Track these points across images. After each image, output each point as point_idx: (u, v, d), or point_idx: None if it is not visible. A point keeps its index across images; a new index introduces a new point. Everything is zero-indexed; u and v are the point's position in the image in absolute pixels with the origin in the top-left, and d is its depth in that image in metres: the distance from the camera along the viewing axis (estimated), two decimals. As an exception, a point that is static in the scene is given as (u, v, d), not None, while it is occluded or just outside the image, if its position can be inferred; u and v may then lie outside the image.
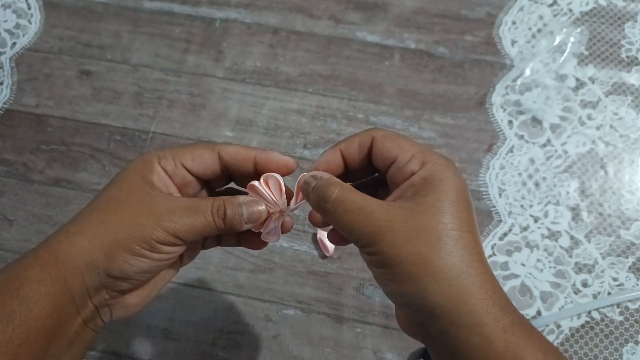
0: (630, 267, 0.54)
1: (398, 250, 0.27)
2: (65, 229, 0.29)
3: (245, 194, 0.33)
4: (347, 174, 0.33)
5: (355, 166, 0.32)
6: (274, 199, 0.32)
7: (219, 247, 0.36)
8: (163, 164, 0.31)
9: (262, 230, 0.33)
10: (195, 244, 0.34)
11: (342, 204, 0.28)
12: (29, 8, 0.67)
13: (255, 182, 0.32)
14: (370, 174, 0.34)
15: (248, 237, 0.34)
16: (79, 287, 0.28)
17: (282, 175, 0.32)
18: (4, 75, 0.63)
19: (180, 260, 0.34)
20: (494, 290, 0.26)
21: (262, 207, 0.31)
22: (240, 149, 0.32)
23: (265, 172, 0.32)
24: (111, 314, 0.31)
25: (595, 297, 0.53)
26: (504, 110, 0.61)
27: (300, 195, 0.32)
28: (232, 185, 0.36)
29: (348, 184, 0.30)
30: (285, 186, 0.32)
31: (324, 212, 0.29)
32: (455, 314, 0.26)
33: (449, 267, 0.26)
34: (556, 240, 0.55)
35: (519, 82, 0.62)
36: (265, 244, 0.34)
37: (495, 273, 0.54)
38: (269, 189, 0.32)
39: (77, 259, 0.28)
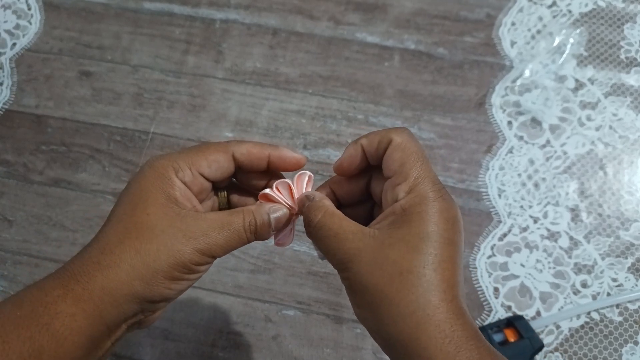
0: (629, 268, 0.54)
1: (362, 278, 0.27)
2: (96, 261, 0.28)
3: (247, 190, 0.34)
4: (373, 167, 0.33)
5: (377, 163, 0.32)
6: (289, 203, 0.33)
7: None
8: (181, 176, 0.30)
9: (276, 236, 0.34)
10: None
11: (321, 230, 0.29)
12: (29, 9, 0.67)
13: (268, 190, 0.32)
14: None
15: None
16: (115, 317, 0.28)
17: (293, 170, 0.33)
18: (3, 76, 0.63)
19: None
20: (452, 329, 0.26)
21: (286, 211, 0.32)
22: (253, 147, 0.32)
23: (278, 169, 0.33)
24: (138, 327, 0.31)
25: (594, 297, 0.53)
26: (504, 111, 0.61)
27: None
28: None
29: (332, 210, 0.30)
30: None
31: (309, 235, 0.31)
32: (409, 348, 0.26)
33: (405, 303, 0.26)
34: (555, 241, 0.55)
35: (518, 83, 0.62)
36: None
37: (494, 274, 0.54)
38: (280, 194, 0.33)
39: (116, 293, 0.27)
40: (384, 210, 0.30)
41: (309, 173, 0.33)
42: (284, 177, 0.34)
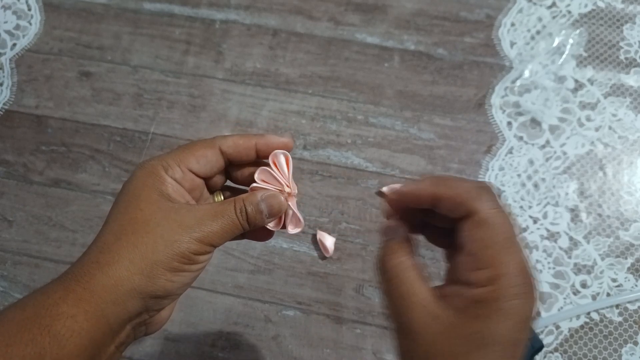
0: (629, 268, 0.54)
1: (419, 353, 0.26)
2: (94, 260, 0.28)
3: (243, 190, 0.34)
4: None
5: (446, 217, 0.28)
6: (278, 188, 0.33)
7: (218, 247, 0.36)
8: (171, 174, 0.31)
9: (286, 226, 0.34)
10: None
11: (390, 282, 0.27)
12: (29, 9, 0.67)
13: (254, 184, 0.33)
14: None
15: (255, 230, 0.34)
16: (118, 317, 0.27)
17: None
18: (4, 77, 0.63)
19: None
20: None
21: (281, 199, 0.32)
22: (239, 139, 0.32)
23: (268, 157, 0.33)
24: (146, 332, 0.31)
25: (594, 298, 0.53)
26: (503, 111, 0.61)
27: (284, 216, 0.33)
28: (229, 183, 0.36)
29: (408, 263, 0.27)
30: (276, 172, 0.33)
31: (377, 270, 0.29)
32: None
33: None
34: (555, 241, 0.55)
35: (518, 83, 0.62)
36: (271, 234, 0.35)
37: (494, 274, 0.54)
38: (267, 183, 0.33)
39: (117, 290, 0.27)
40: (457, 280, 0.27)
41: (282, 152, 0.33)
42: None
